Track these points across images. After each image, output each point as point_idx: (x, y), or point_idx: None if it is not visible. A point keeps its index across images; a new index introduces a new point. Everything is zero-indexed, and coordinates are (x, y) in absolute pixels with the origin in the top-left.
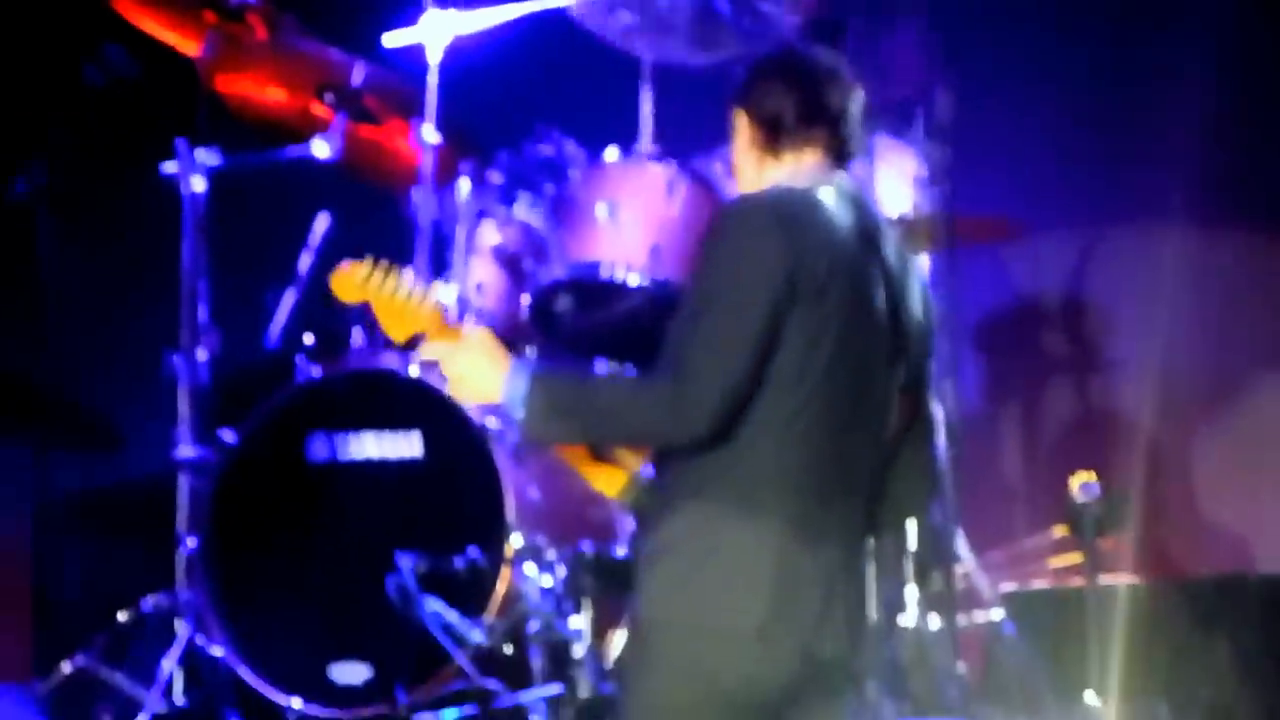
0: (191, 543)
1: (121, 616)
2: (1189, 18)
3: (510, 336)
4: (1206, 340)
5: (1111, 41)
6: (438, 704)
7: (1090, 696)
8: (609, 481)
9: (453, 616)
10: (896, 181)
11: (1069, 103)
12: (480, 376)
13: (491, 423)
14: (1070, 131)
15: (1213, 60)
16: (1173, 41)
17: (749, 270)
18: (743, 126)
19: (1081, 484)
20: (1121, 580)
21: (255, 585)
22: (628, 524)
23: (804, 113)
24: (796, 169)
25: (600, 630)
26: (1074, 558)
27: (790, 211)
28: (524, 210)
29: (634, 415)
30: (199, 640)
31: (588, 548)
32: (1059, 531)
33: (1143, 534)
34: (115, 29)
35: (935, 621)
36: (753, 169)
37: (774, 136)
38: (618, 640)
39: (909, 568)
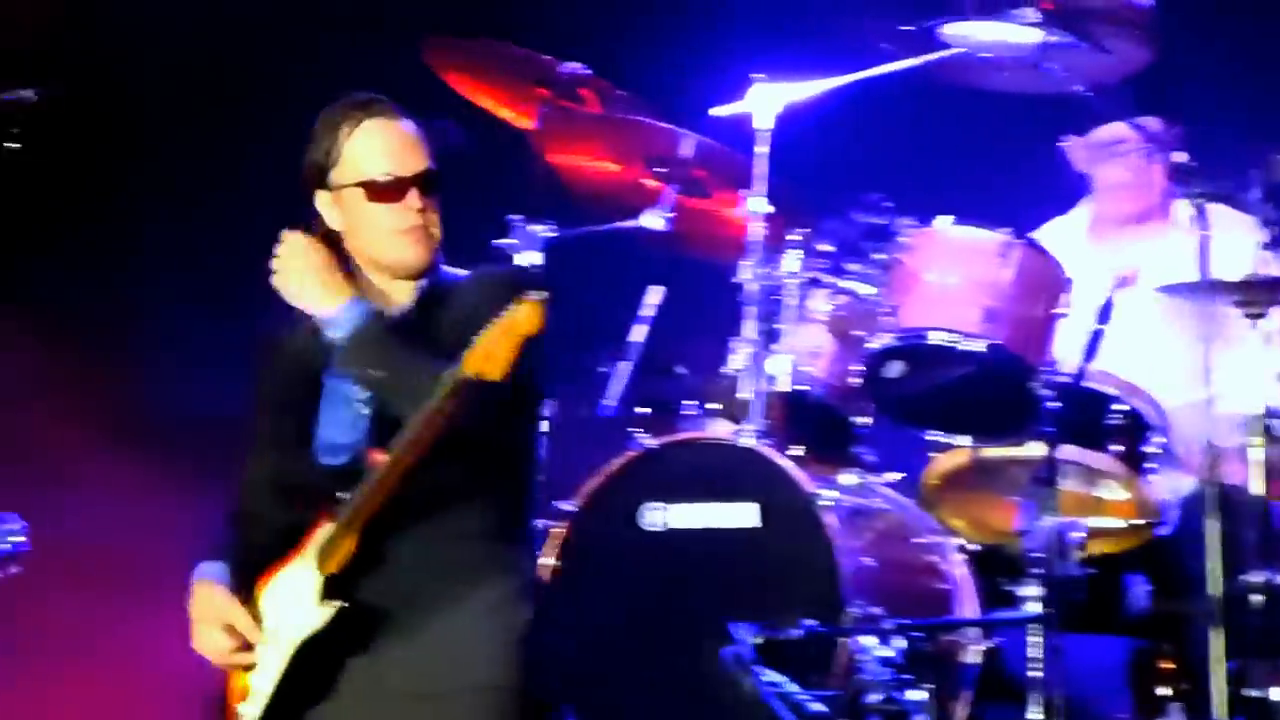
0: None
1: None
2: None
3: (842, 403)
4: None
5: None
6: None
7: None
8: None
9: (792, 688)
10: (1232, 247)
11: None
12: (310, 282)
13: (825, 495)
14: None
15: None
16: None
17: None
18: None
19: None
20: None
21: (591, 653)
22: (965, 591)
23: None
24: None
25: (941, 701)
26: None
27: None
28: (853, 278)
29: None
30: None
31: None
32: None
33: None
34: (450, 103)
35: None
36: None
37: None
38: (959, 710)
39: None
